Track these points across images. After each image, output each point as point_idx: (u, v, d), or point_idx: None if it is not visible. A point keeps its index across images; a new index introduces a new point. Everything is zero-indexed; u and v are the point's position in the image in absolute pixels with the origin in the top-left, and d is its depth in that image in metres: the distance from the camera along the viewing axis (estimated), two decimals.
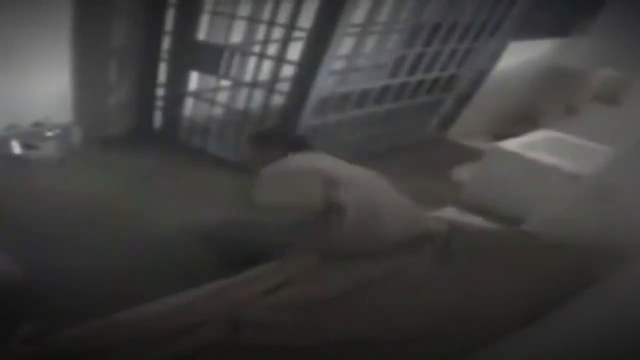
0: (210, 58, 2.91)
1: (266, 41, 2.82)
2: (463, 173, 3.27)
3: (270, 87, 2.83)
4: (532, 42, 3.92)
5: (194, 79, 3.12)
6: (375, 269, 1.59)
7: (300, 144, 2.13)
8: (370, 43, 3.21)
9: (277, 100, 2.85)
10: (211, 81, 3.11)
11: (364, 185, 1.79)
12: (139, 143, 3.20)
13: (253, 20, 2.84)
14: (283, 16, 2.67)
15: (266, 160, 2.00)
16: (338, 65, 2.92)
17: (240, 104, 3.03)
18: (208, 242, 2.08)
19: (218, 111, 3.16)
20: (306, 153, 2.06)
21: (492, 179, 2.83)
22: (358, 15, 2.64)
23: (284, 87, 2.80)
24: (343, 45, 2.67)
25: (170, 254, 2.14)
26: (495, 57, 3.54)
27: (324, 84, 2.71)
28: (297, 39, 2.67)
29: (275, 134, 2.31)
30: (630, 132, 1.84)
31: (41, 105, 2.79)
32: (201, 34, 2.94)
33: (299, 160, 1.97)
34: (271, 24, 2.73)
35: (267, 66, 2.83)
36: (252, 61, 2.89)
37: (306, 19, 2.56)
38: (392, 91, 3.14)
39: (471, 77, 3.57)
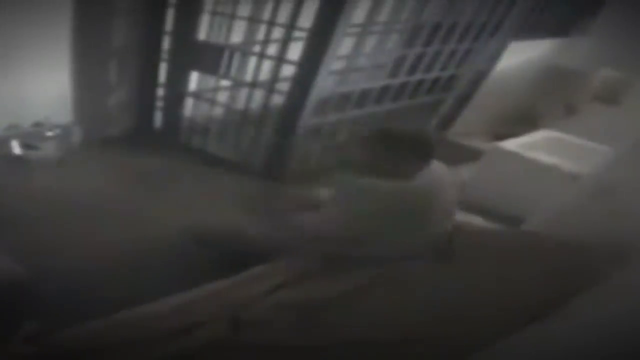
0: (210, 58, 2.91)
1: (266, 41, 2.82)
2: (463, 173, 3.27)
3: (270, 87, 2.83)
4: (532, 42, 3.92)
5: (194, 79, 3.12)
6: (376, 269, 1.59)
7: (428, 151, 1.72)
8: (370, 43, 3.21)
9: (277, 100, 2.85)
10: (211, 81, 3.11)
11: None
12: (139, 143, 3.20)
13: (253, 20, 2.84)
14: (283, 16, 2.67)
15: (385, 167, 1.68)
16: (338, 65, 2.92)
17: (240, 104, 3.03)
18: (200, 243, 2.08)
19: (218, 111, 3.16)
20: (433, 164, 1.73)
21: (492, 179, 2.83)
22: (358, 15, 2.64)
23: (284, 87, 2.80)
24: (343, 45, 2.67)
25: (171, 254, 2.14)
26: (495, 57, 3.53)
27: (324, 84, 2.71)
28: (297, 39, 2.67)
29: (404, 135, 1.77)
30: (630, 132, 1.84)
31: (41, 105, 2.79)
32: (201, 34, 2.94)
33: (434, 183, 1.67)
34: (271, 24, 2.73)
35: (267, 66, 2.83)
36: (252, 61, 2.89)
37: (306, 19, 2.56)
38: (392, 91, 3.13)
39: (471, 77, 3.57)
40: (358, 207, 1.64)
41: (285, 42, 2.70)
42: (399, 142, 1.70)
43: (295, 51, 2.68)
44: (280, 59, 2.74)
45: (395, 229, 1.60)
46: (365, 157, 1.74)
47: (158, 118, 3.30)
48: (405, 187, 1.64)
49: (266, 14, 2.75)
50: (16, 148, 2.74)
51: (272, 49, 2.82)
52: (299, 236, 1.78)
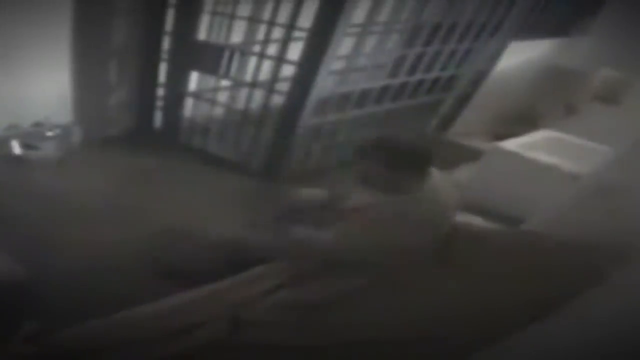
0: (210, 58, 2.91)
1: (266, 41, 2.82)
2: (463, 173, 3.27)
3: (270, 87, 2.83)
4: (532, 42, 3.91)
5: (194, 79, 3.12)
6: (376, 269, 1.59)
7: (428, 162, 1.66)
8: (370, 43, 3.21)
9: (277, 100, 2.85)
10: (211, 81, 3.11)
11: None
12: (139, 143, 3.20)
13: (253, 20, 2.84)
14: (283, 16, 2.67)
15: (380, 180, 1.61)
16: (338, 65, 2.92)
17: (240, 104, 3.03)
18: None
19: (218, 111, 3.16)
20: (431, 173, 1.68)
21: (492, 179, 2.83)
22: (358, 15, 2.64)
23: (284, 87, 2.80)
24: (343, 45, 2.67)
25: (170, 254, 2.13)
26: (495, 57, 3.53)
27: (324, 84, 2.71)
28: (297, 39, 2.67)
29: (403, 146, 1.66)
30: (630, 132, 1.84)
31: (41, 105, 2.79)
32: (201, 34, 2.94)
33: (434, 194, 1.61)
34: (271, 24, 2.73)
35: (267, 66, 2.83)
36: (252, 61, 2.89)
37: (306, 19, 2.56)
38: (392, 91, 3.13)
39: (471, 77, 3.57)
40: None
41: (285, 42, 2.70)
42: (399, 155, 1.60)
43: (295, 51, 2.68)
44: (280, 59, 2.74)
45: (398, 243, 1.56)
46: (365, 172, 1.66)
47: (158, 118, 3.30)
48: (409, 202, 1.58)
49: (266, 14, 2.76)
50: (16, 148, 2.74)
51: (272, 49, 2.82)
52: (306, 253, 1.71)
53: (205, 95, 3.16)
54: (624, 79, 4.02)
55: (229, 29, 2.89)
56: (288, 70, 2.77)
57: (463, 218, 1.99)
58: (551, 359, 1.14)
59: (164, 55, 3.06)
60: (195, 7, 2.85)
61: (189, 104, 3.21)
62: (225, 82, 3.09)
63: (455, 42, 3.13)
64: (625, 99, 4.03)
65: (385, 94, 3.12)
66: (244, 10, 2.83)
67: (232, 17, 2.84)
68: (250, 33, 2.90)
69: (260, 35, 2.84)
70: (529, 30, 3.69)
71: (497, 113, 4.18)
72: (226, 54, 2.88)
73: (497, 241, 1.79)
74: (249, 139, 3.06)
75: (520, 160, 2.76)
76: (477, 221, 2.32)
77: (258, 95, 2.92)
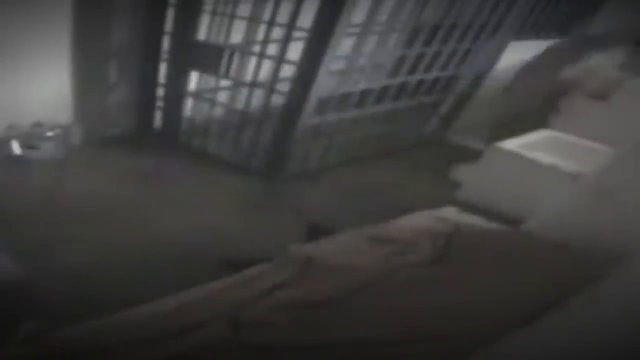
0: (210, 58, 2.92)
1: (266, 41, 2.82)
2: (463, 173, 3.26)
3: (270, 87, 2.83)
4: (532, 42, 3.92)
5: (194, 79, 3.12)
6: (375, 268, 1.59)
7: None
8: (370, 43, 3.21)
9: (277, 100, 2.85)
10: (211, 81, 3.11)
11: None
12: (139, 143, 3.20)
13: (253, 20, 2.84)
14: (283, 16, 2.67)
15: None
16: (338, 65, 2.92)
17: (240, 104, 3.04)
18: None
19: (218, 111, 3.16)
20: None
21: (492, 179, 2.83)
22: (358, 15, 2.64)
23: (284, 87, 2.80)
24: (343, 45, 2.67)
25: (170, 254, 2.14)
26: (495, 57, 3.54)
27: (324, 84, 2.71)
28: (297, 39, 2.67)
29: None
30: (629, 132, 1.84)
31: (41, 105, 2.79)
32: (201, 34, 2.94)
33: None
34: (271, 24, 2.73)
35: (267, 66, 2.83)
36: (252, 61, 2.90)
37: (306, 19, 2.57)
38: (392, 91, 3.13)
39: (471, 77, 3.57)
40: None
41: (285, 42, 2.70)
42: None
43: (295, 51, 2.68)
44: (280, 59, 2.74)
45: None
46: None
47: (158, 118, 3.31)
48: None
49: (266, 14, 2.76)
50: (16, 148, 2.74)
51: (272, 49, 2.82)
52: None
53: (205, 95, 3.16)
54: (623, 79, 4.02)
55: (229, 29, 2.89)
56: (288, 70, 2.77)
57: (463, 218, 1.98)
58: (551, 359, 1.15)
59: (164, 55, 3.06)
60: (195, 7, 2.85)
61: (189, 104, 3.21)
62: (225, 82, 3.09)
63: (455, 42, 3.14)
64: (626, 99, 4.03)
65: (385, 94, 3.13)
66: (244, 10, 2.83)
67: (232, 17, 2.85)
68: (250, 33, 2.90)
69: (260, 35, 2.84)
70: (529, 30, 3.69)
71: (497, 113, 4.17)
72: (226, 54, 2.89)
73: (497, 241, 1.79)
74: (249, 139, 3.07)
75: (520, 160, 2.76)
76: (477, 221, 2.32)
77: (258, 95, 2.92)
